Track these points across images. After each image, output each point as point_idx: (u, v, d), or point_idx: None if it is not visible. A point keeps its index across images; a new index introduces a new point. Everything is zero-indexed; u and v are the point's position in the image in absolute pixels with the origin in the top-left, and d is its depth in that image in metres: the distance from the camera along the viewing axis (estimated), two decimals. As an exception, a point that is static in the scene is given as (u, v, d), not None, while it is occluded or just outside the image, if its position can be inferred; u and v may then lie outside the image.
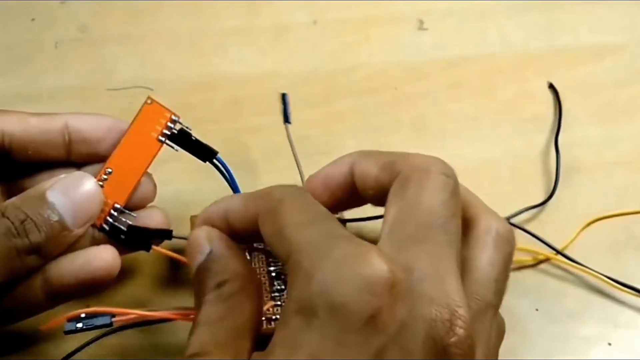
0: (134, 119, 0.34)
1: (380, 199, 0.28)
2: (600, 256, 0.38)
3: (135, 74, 0.44)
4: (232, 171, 0.35)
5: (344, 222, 0.36)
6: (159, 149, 0.34)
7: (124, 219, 0.33)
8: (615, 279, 0.37)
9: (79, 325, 0.31)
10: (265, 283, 0.34)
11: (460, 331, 0.23)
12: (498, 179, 0.42)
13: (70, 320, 0.31)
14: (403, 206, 0.26)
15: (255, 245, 0.35)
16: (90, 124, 0.33)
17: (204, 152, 0.34)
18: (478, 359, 0.25)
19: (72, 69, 0.44)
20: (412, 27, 0.47)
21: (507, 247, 0.28)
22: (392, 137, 0.43)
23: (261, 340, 0.27)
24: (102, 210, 0.33)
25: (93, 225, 0.33)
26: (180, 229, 0.34)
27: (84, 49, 0.45)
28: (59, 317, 0.30)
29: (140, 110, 0.34)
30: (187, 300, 0.32)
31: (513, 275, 0.38)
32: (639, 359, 0.36)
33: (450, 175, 0.27)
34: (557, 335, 0.37)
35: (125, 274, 0.36)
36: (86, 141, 0.33)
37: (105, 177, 0.33)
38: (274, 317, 0.33)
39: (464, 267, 0.27)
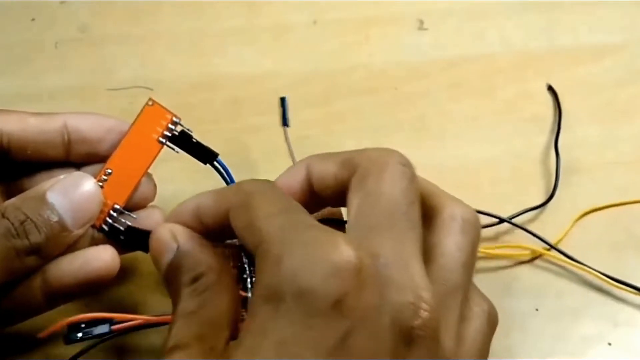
0: (135, 119, 0.34)
1: (339, 197, 0.29)
2: (600, 256, 0.38)
3: (135, 74, 0.44)
4: (232, 173, 0.35)
5: (343, 222, 0.35)
6: (160, 151, 0.34)
7: (123, 220, 0.33)
8: (614, 277, 0.37)
9: (79, 335, 0.31)
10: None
11: (424, 314, 0.24)
12: (498, 179, 0.42)
13: (70, 329, 0.31)
14: (364, 197, 0.27)
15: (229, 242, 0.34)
16: (90, 123, 0.33)
17: (205, 155, 0.34)
18: (445, 340, 0.26)
19: (72, 69, 0.44)
20: (412, 27, 0.47)
21: (473, 231, 0.29)
22: (392, 137, 0.43)
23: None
24: (102, 211, 0.33)
25: (92, 226, 0.33)
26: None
27: (84, 49, 0.45)
28: (57, 322, 0.30)
29: (141, 111, 0.34)
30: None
31: (513, 275, 0.38)
32: (639, 359, 0.36)
33: (406, 165, 0.28)
34: (557, 334, 0.37)
35: (124, 274, 0.36)
36: (85, 141, 0.33)
37: (105, 177, 0.33)
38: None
39: (431, 253, 0.27)
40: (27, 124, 0.33)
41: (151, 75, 0.44)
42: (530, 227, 0.39)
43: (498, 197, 0.41)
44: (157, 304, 0.36)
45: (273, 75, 0.45)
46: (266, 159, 0.41)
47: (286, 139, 0.36)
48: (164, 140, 0.34)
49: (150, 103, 0.34)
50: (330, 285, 0.23)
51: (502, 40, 0.47)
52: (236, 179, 0.35)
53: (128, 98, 0.43)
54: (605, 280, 0.37)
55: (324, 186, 0.30)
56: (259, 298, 0.25)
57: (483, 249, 0.38)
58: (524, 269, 0.39)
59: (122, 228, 0.33)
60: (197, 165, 0.35)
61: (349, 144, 0.41)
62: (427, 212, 0.29)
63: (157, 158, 0.34)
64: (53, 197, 0.31)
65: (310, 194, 0.30)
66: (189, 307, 0.27)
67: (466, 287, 0.28)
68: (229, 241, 0.32)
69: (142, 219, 0.34)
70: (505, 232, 0.39)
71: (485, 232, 0.38)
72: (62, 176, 0.32)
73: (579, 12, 0.48)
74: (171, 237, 0.29)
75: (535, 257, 0.38)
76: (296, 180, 0.31)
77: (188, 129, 0.34)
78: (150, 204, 0.35)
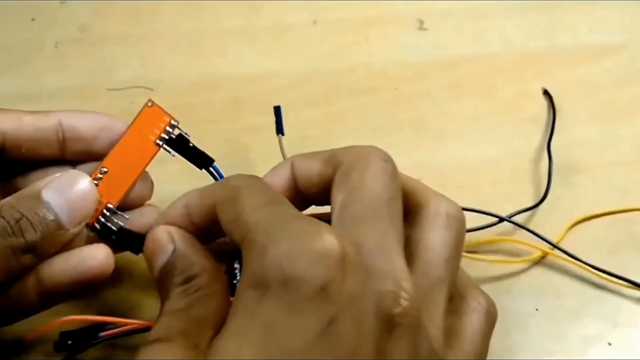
0: (134, 120, 0.34)
1: (323, 195, 0.30)
2: (599, 256, 0.38)
3: (135, 74, 0.44)
4: None
5: (328, 220, 0.35)
6: (156, 153, 0.34)
7: (115, 220, 0.33)
8: (614, 272, 0.37)
9: (69, 342, 0.31)
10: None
11: (404, 303, 0.25)
12: (498, 179, 0.42)
13: (61, 337, 0.31)
14: (348, 192, 0.28)
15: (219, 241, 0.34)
16: (85, 121, 0.33)
17: (201, 160, 0.34)
18: (429, 329, 0.26)
19: (72, 69, 0.45)
20: (412, 27, 0.47)
21: (458, 226, 0.29)
22: (392, 137, 0.43)
23: None
24: (95, 209, 0.32)
25: (86, 224, 0.32)
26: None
27: (84, 49, 0.45)
28: (47, 323, 0.31)
29: (140, 112, 0.34)
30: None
31: (513, 275, 0.38)
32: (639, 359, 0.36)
33: (388, 161, 0.29)
34: (557, 334, 0.37)
35: (119, 273, 0.36)
36: (81, 139, 0.33)
37: (100, 176, 0.33)
38: None
39: (415, 247, 0.28)
40: (22, 122, 0.33)
41: (151, 75, 0.44)
42: (530, 227, 0.39)
43: (498, 197, 0.41)
44: (152, 304, 0.36)
45: (273, 75, 0.45)
46: (266, 159, 0.41)
47: (280, 147, 0.36)
48: (161, 143, 0.34)
49: (149, 104, 0.34)
50: (315, 273, 0.24)
51: (502, 40, 0.47)
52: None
53: (128, 98, 0.43)
54: (605, 278, 0.37)
55: (309, 184, 0.30)
56: (245, 285, 0.25)
57: (482, 249, 0.38)
58: (524, 269, 0.38)
59: (114, 228, 0.33)
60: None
61: (349, 144, 0.41)
62: (412, 208, 0.29)
63: (154, 159, 0.34)
64: (48, 195, 0.31)
65: (296, 193, 0.31)
66: (177, 306, 0.27)
67: (451, 281, 0.28)
68: (218, 240, 0.32)
69: (138, 217, 0.34)
70: (505, 232, 0.39)
71: (486, 232, 0.38)
72: (57, 174, 0.32)
73: (579, 12, 0.48)
74: (168, 239, 0.29)
75: (536, 257, 0.38)
76: (281, 179, 0.31)
77: (186, 133, 0.34)
78: (147, 202, 0.35)
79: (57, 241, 0.31)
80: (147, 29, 0.46)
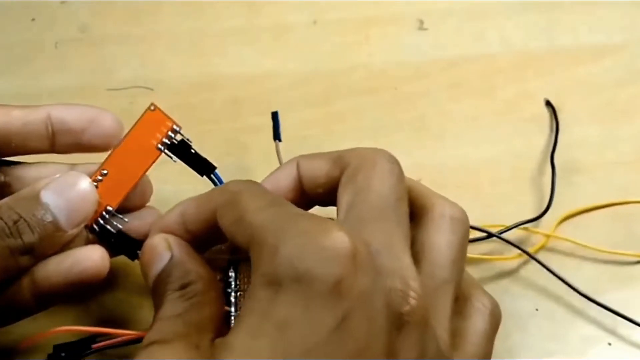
0: (135, 123, 0.33)
1: (328, 196, 0.30)
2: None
3: (135, 74, 0.44)
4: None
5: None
6: (157, 157, 0.33)
7: (114, 223, 0.33)
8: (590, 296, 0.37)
9: (63, 355, 0.31)
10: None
11: (412, 302, 0.25)
12: (498, 179, 0.42)
13: (55, 350, 0.31)
14: (355, 193, 0.28)
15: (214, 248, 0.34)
16: (73, 114, 0.33)
17: (202, 166, 0.34)
18: (436, 329, 0.27)
19: (72, 69, 0.44)
20: (412, 27, 0.47)
21: (462, 228, 0.30)
22: (392, 137, 0.43)
23: None
24: (94, 211, 0.32)
25: (85, 226, 0.32)
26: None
27: (84, 49, 0.45)
28: (39, 333, 0.31)
29: (142, 115, 0.33)
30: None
31: (513, 275, 0.38)
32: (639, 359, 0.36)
33: (394, 163, 0.29)
34: (557, 334, 0.37)
35: (114, 276, 0.36)
36: (70, 131, 0.33)
37: (100, 178, 0.33)
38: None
39: (421, 250, 0.28)
40: (10, 117, 0.32)
41: (151, 75, 0.44)
42: (530, 227, 0.39)
43: (498, 197, 0.41)
44: (148, 308, 0.35)
45: (273, 75, 0.45)
46: (266, 160, 0.41)
47: (277, 152, 0.36)
48: (162, 148, 0.33)
49: (152, 108, 0.33)
50: (328, 269, 0.24)
51: (502, 40, 0.47)
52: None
53: (128, 98, 0.43)
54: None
55: (314, 184, 0.30)
56: (257, 284, 0.25)
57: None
58: (524, 269, 0.39)
59: (113, 231, 0.33)
60: (196, 166, 0.35)
61: (349, 144, 0.41)
62: (417, 211, 0.29)
63: (154, 163, 0.34)
64: (47, 196, 0.30)
65: (301, 193, 0.31)
66: (174, 311, 0.27)
67: (457, 283, 0.29)
68: (214, 247, 0.32)
69: (137, 219, 0.33)
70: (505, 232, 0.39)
71: (476, 247, 0.38)
72: (56, 175, 0.31)
73: (579, 12, 0.48)
74: (166, 246, 0.29)
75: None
76: (287, 179, 0.31)
77: (188, 139, 0.34)
78: (147, 204, 0.35)
79: (55, 242, 0.31)
80: (147, 29, 0.46)
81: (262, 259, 0.25)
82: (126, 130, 0.34)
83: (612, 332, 0.37)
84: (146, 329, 0.28)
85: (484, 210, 0.40)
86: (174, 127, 0.34)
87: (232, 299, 0.32)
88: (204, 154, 0.34)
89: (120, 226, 0.33)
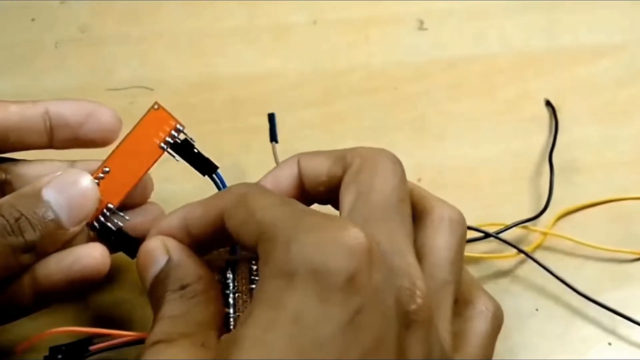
0: (138, 122, 0.33)
1: (329, 194, 0.30)
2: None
3: (135, 74, 0.44)
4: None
5: None
6: (160, 156, 0.33)
7: (115, 220, 0.33)
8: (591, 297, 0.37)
9: (59, 356, 0.31)
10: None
11: (419, 300, 0.25)
12: (498, 179, 0.42)
13: (51, 352, 0.31)
14: (358, 192, 0.28)
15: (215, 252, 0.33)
16: (71, 108, 0.33)
17: (205, 166, 0.34)
18: (439, 330, 0.27)
19: (72, 69, 0.45)
20: (412, 27, 0.47)
21: (460, 230, 0.30)
22: (392, 137, 0.43)
23: None
24: (96, 209, 0.32)
25: (86, 223, 0.32)
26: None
27: (84, 49, 0.45)
28: (36, 335, 0.30)
29: (146, 113, 0.33)
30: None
31: (513, 275, 0.38)
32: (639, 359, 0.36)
33: (397, 163, 0.29)
34: (557, 335, 0.37)
35: (115, 273, 0.36)
36: (67, 126, 0.33)
37: (102, 175, 0.33)
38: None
39: (421, 251, 0.29)
40: (7, 111, 0.32)
41: (151, 75, 0.44)
42: (530, 226, 0.39)
43: (498, 197, 0.41)
44: (148, 307, 0.35)
45: (273, 75, 0.45)
46: (266, 159, 0.41)
47: (274, 154, 0.36)
48: (165, 147, 0.33)
49: (156, 107, 0.33)
50: (344, 263, 0.24)
51: (502, 40, 0.47)
52: (236, 180, 0.35)
53: (128, 98, 0.43)
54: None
55: (316, 182, 0.30)
56: (269, 277, 0.24)
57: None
58: (524, 269, 0.39)
59: (113, 228, 0.33)
60: (197, 165, 0.35)
61: (349, 144, 0.41)
62: (417, 214, 0.30)
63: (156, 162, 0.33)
64: (49, 194, 0.30)
65: (301, 191, 0.31)
66: (174, 311, 0.27)
67: (456, 283, 0.29)
68: (215, 251, 0.31)
69: (139, 216, 0.33)
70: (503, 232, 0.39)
71: (473, 247, 0.38)
72: (58, 172, 0.31)
73: (579, 12, 0.48)
74: (163, 249, 0.29)
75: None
76: (287, 176, 0.31)
77: (191, 139, 0.34)
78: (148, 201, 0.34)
79: (56, 240, 0.31)
80: (147, 29, 0.46)
81: (274, 253, 0.25)
82: (128, 129, 0.34)
83: (612, 332, 0.37)
84: (146, 330, 0.28)
85: (483, 210, 0.40)
86: (178, 126, 0.33)
87: (231, 300, 0.32)
88: (203, 154, 0.34)
89: (121, 224, 0.33)
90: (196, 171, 0.34)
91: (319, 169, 0.30)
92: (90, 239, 0.33)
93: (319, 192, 0.30)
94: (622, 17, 0.48)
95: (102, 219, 0.33)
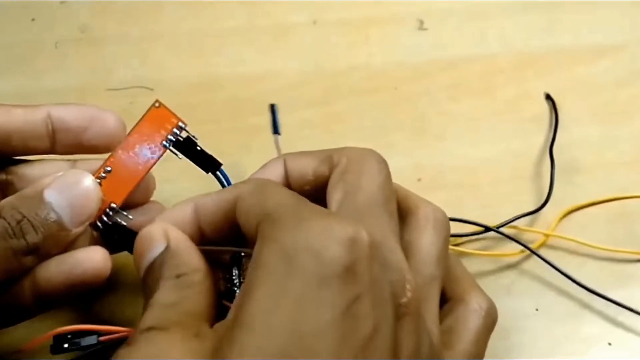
0: (139, 120, 0.33)
1: (316, 193, 0.30)
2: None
3: (135, 74, 0.44)
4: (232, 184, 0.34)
5: None
6: (162, 154, 0.33)
7: (119, 219, 0.33)
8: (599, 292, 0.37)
9: (66, 345, 0.30)
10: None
11: (409, 294, 0.26)
12: (498, 179, 0.42)
13: (56, 340, 0.30)
14: (345, 191, 0.29)
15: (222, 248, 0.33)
16: (73, 113, 0.33)
17: (208, 163, 0.34)
18: (429, 325, 0.27)
19: (72, 69, 0.44)
20: (412, 27, 0.47)
21: (444, 229, 0.31)
22: (392, 137, 0.43)
23: None
24: (98, 209, 0.32)
25: (89, 224, 0.32)
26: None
27: (84, 49, 0.45)
28: (43, 334, 0.30)
29: (146, 112, 0.33)
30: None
31: (513, 275, 0.38)
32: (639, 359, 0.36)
33: (382, 163, 0.30)
34: (557, 335, 0.37)
35: (116, 276, 0.36)
36: (70, 130, 0.33)
37: (103, 175, 0.33)
38: None
39: (408, 249, 0.29)
40: (10, 115, 0.32)
41: (151, 75, 0.44)
42: (530, 226, 0.39)
43: (498, 197, 0.41)
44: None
45: (273, 75, 0.45)
46: (266, 159, 0.41)
47: (277, 147, 0.36)
48: (167, 145, 0.33)
49: (157, 105, 0.33)
50: (344, 252, 0.24)
51: (502, 40, 0.47)
52: (236, 180, 0.35)
53: (128, 98, 0.43)
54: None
55: (302, 182, 0.31)
56: (270, 252, 0.24)
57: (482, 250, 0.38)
58: (524, 269, 0.39)
59: (117, 228, 0.33)
60: (198, 165, 0.35)
61: (349, 144, 0.41)
62: (402, 213, 0.30)
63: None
64: (51, 195, 0.30)
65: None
66: (168, 299, 0.27)
67: (442, 279, 0.30)
68: (222, 247, 0.31)
69: (142, 214, 0.33)
70: (494, 238, 0.39)
71: (475, 243, 0.39)
72: (59, 173, 0.31)
73: (579, 12, 0.48)
74: (162, 235, 0.28)
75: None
76: (274, 176, 0.31)
77: (193, 136, 0.34)
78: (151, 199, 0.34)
79: (59, 242, 0.31)
80: (147, 29, 0.46)
81: (277, 233, 0.25)
82: (128, 129, 0.33)
83: (612, 332, 0.37)
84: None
85: (483, 209, 0.40)
86: (180, 124, 0.33)
87: (236, 296, 0.31)
88: (206, 151, 0.34)
89: (125, 223, 0.33)
90: (198, 170, 0.34)
91: (305, 169, 0.31)
92: (94, 239, 0.32)
93: (305, 191, 0.30)
94: (622, 17, 0.48)
95: (105, 218, 0.33)
